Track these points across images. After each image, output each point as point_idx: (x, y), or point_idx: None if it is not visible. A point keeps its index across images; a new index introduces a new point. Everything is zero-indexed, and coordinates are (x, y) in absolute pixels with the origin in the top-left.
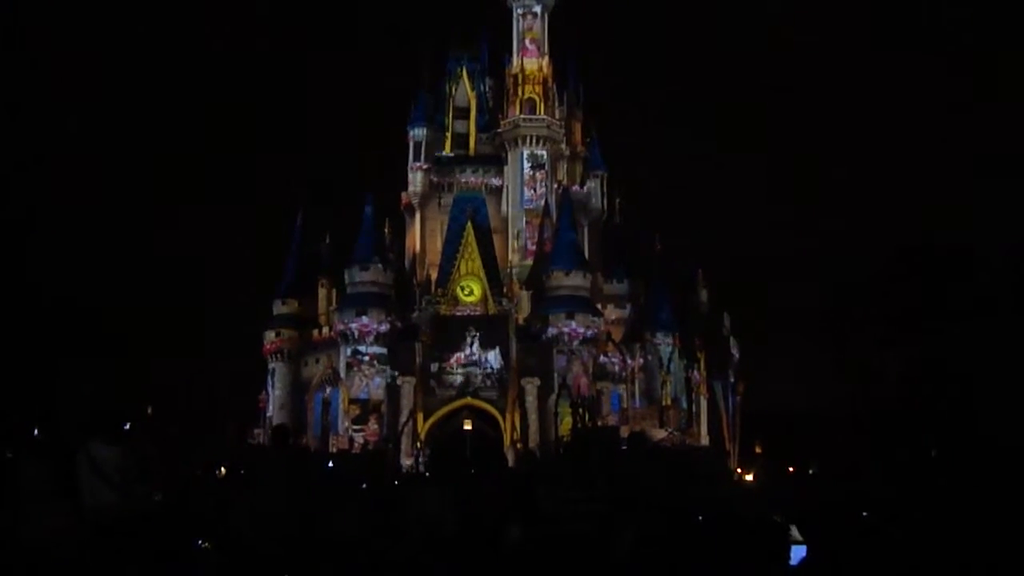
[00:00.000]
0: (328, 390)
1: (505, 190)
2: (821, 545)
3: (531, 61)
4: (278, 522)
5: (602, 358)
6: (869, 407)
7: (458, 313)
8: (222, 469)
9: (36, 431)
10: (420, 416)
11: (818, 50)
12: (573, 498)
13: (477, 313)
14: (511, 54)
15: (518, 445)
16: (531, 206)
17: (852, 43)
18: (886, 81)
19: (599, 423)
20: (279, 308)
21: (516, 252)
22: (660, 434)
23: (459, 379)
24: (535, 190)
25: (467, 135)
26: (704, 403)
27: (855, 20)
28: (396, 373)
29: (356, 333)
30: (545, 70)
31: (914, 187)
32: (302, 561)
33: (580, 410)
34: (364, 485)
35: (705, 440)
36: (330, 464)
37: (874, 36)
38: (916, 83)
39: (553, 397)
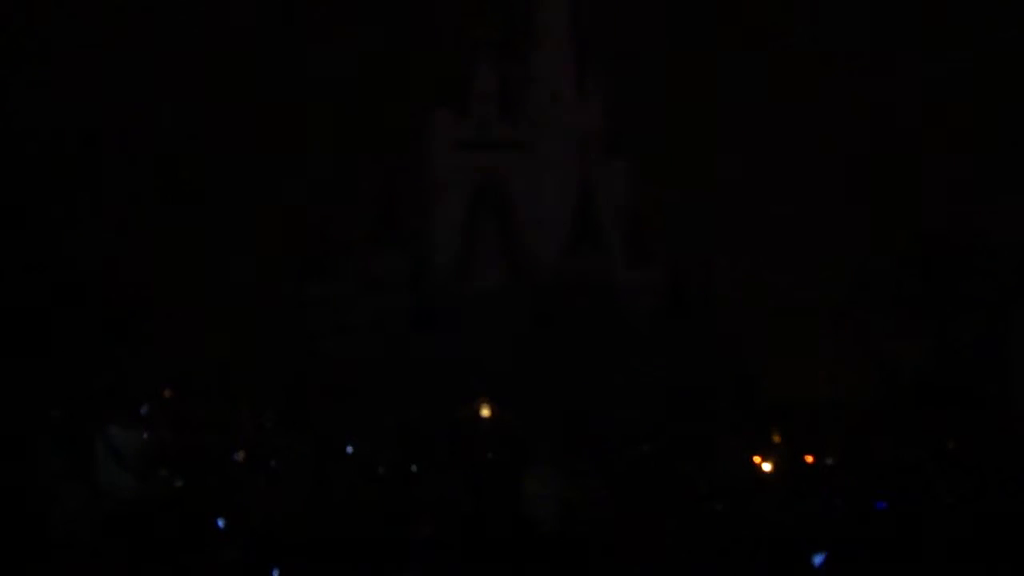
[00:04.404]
0: None
1: (529, 175)
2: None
3: (557, 44)
4: (296, 505)
5: None
6: (887, 398)
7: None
8: (241, 453)
9: (54, 414)
10: None
11: (826, 44)
12: (590, 485)
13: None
14: (537, 36)
15: None
16: (555, 190)
17: (858, 37)
18: (906, 70)
19: None
20: None
21: (539, 237)
22: None
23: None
24: (559, 174)
25: (490, 119)
26: None
27: (859, 16)
28: None
29: None
30: (570, 53)
31: (932, 176)
32: (318, 544)
33: None
34: (381, 469)
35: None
36: (348, 449)
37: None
38: (936, 71)
39: None
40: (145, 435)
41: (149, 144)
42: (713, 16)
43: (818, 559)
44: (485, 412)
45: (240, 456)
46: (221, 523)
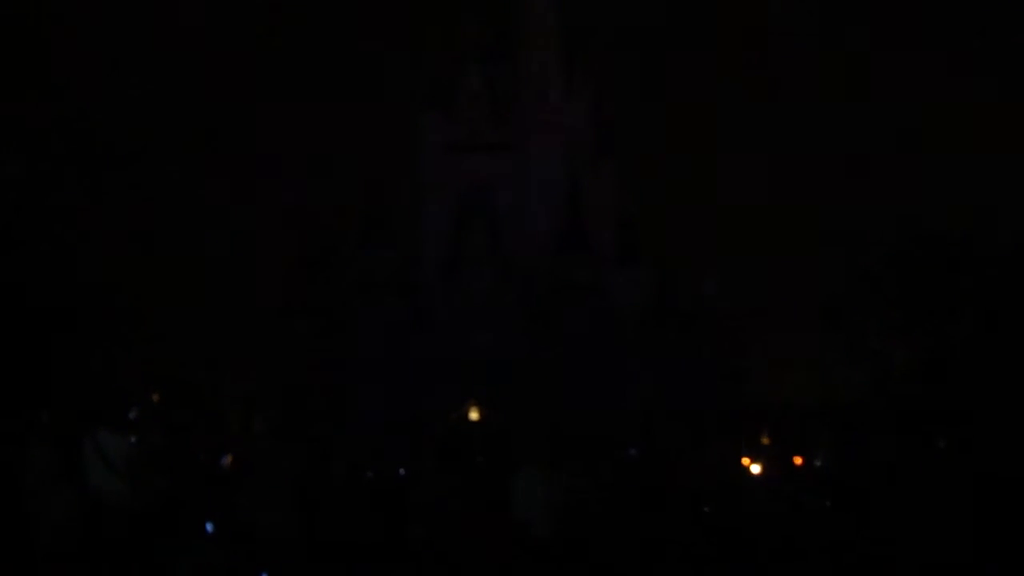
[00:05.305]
0: None
1: (518, 176)
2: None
3: (545, 46)
4: (282, 511)
5: None
6: (878, 398)
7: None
8: (229, 458)
9: (44, 418)
10: None
11: (824, 43)
12: (580, 487)
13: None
14: (525, 39)
15: None
16: (544, 192)
17: (857, 36)
18: (905, 68)
19: None
20: None
21: (528, 239)
22: None
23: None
24: (548, 175)
25: (479, 121)
26: None
27: (857, 15)
28: None
29: None
30: (559, 54)
31: (928, 175)
32: (307, 549)
33: None
34: (369, 473)
35: None
36: (338, 451)
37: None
38: (937, 68)
39: None
40: (134, 439)
41: (144, 144)
42: (706, 15)
43: None
44: (474, 414)
45: (228, 460)
46: (210, 527)
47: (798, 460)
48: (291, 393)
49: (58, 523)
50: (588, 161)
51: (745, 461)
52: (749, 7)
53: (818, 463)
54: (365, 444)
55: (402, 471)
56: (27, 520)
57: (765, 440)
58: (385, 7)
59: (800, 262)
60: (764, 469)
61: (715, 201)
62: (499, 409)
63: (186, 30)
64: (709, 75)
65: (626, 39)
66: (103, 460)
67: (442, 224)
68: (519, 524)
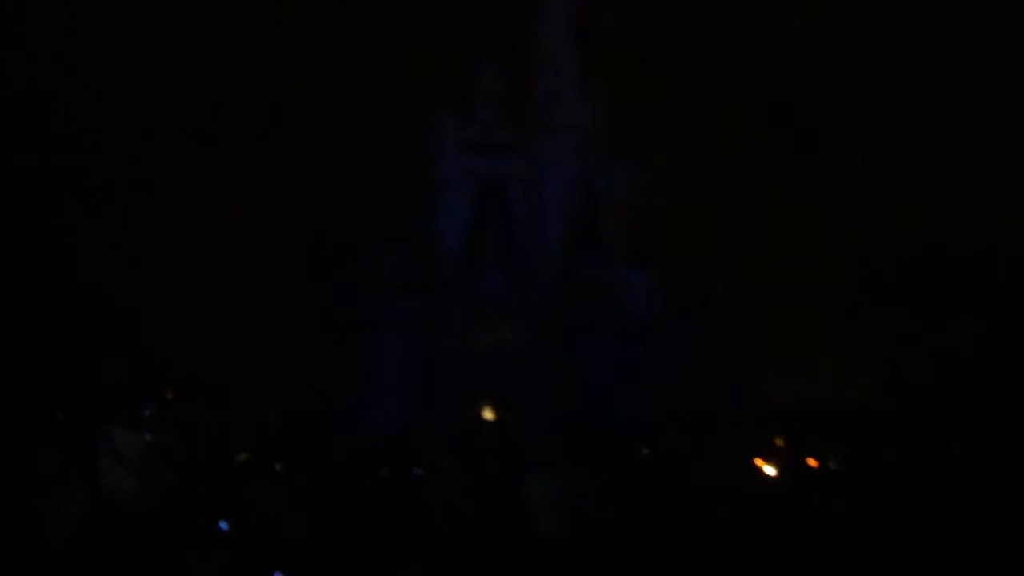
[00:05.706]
0: None
1: (531, 176)
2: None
3: (560, 44)
4: (295, 509)
5: None
6: (892, 402)
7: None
8: (243, 455)
9: (56, 416)
10: None
11: (826, 41)
12: (592, 488)
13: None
14: (539, 37)
15: None
16: (558, 192)
17: (857, 36)
18: (904, 69)
19: None
20: None
21: (542, 239)
22: None
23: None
24: (562, 176)
25: (494, 120)
26: None
27: (858, 14)
28: None
29: None
30: (574, 53)
31: (939, 180)
32: (320, 548)
33: None
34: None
35: None
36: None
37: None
38: (941, 72)
39: None
40: (148, 437)
41: (153, 146)
42: (715, 15)
43: None
44: (488, 415)
45: (242, 458)
46: (224, 525)
47: (812, 462)
48: (305, 394)
49: (68, 523)
50: (603, 160)
51: (758, 462)
52: (759, 9)
53: (832, 466)
54: (379, 444)
55: (416, 471)
56: (34, 520)
57: (779, 442)
58: (399, 6)
59: (816, 264)
60: (778, 471)
61: (730, 203)
62: (512, 410)
63: (183, 29)
64: (722, 75)
65: (641, 39)
66: (116, 457)
67: (456, 224)
68: (531, 524)
